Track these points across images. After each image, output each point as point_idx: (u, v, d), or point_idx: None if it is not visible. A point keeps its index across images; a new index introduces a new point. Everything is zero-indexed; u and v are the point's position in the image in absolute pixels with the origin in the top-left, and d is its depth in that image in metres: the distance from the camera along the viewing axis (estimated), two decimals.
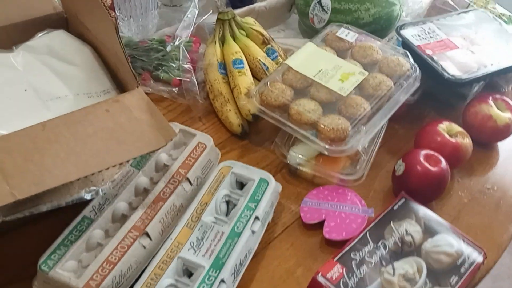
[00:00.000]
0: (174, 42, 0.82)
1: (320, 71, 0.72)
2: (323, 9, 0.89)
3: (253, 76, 0.80)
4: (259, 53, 0.82)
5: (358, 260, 0.58)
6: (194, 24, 0.84)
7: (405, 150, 0.72)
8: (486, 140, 0.79)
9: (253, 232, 0.58)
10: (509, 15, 0.96)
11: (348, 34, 0.80)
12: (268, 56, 0.83)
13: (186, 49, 0.82)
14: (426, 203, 0.66)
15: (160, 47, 0.83)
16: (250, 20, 0.87)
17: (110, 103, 0.56)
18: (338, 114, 0.69)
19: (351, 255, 0.58)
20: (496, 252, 0.65)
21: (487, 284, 0.62)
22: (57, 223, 0.55)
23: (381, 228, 0.62)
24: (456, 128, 0.74)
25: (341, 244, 0.61)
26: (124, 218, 0.57)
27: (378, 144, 0.72)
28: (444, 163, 0.67)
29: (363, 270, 0.56)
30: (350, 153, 0.67)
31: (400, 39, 0.83)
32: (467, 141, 0.72)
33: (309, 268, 0.61)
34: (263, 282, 0.60)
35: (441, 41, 0.83)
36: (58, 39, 0.67)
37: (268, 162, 0.74)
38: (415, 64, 0.75)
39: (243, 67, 0.79)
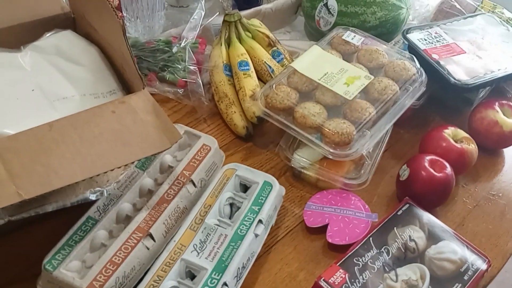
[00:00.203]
0: (180, 43, 0.83)
1: (325, 74, 0.72)
2: (329, 12, 0.89)
3: (259, 78, 0.80)
4: (264, 55, 0.82)
5: (361, 265, 0.58)
6: (200, 25, 0.85)
7: (410, 155, 0.72)
8: (491, 146, 0.79)
9: (256, 235, 0.58)
10: None
11: (354, 37, 0.80)
12: (274, 58, 0.83)
13: (192, 51, 0.83)
14: (430, 209, 0.66)
15: (166, 48, 0.84)
16: (256, 22, 0.87)
17: (116, 104, 0.56)
18: (343, 118, 0.69)
19: (354, 260, 0.58)
20: (500, 259, 0.65)
21: None
22: (61, 223, 0.56)
23: (384, 234, 0.62)
24: (462, 133, 0.74)
25: (344, 248, 0.61)
26: (128, 219, 0.57)
27: (383, 148, 0.72)
28: (449, 169, 0.67)
29: (365, 276, 0.56)
30: (355, 157, 0.67)
31: (406, 43, 0.83)
32: (472, 147, 0.72)
33: (312, 273, 0.61)
34: (266, 286, 0.60)
35: (447, 46, 0.83)
36: (65, 39, 0.68)
37: (272, 164, 0.74)
38: (421, 69, 0.75)
39: (248, 69, 0.79)
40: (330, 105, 0.70)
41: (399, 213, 0.64)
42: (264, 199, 0.61)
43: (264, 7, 0.95)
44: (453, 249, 0.61)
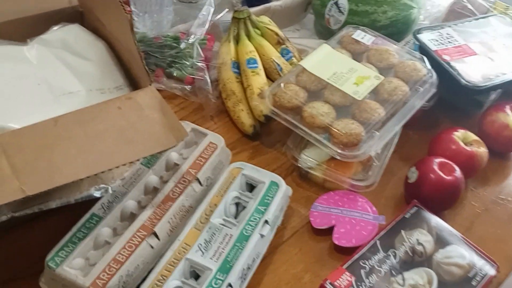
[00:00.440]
0: (188, 40, 0.82)
1: (334, 73, 0.71)
2: (340, 10, 0.88)
3: (267, 76, 0.80)
4: (273, 53, 0.81)
5: (367, 268, 0.57)
6: (209, 21, 0.84)
7: (418, 157, 0.71)
8: (502, 149, 0.77)
9: (262, 236, 0.57)
10: None
11: (364, 36, 0.79)
12: (283, 56, 0.82)
13: (200, 47, 0.82)
14: (438, 212, 0.65)
15: (174, 44, 0.83)
16: (265, 19, 0.86)
17: (123, 100, 0.55)
18: (352, 119, 0.68)
19: (361, 263, 0.57)
20: (508, 265, 0.63)
21: None
22: (65, 219, 0.55)
23: (392, 237, 0.61)
24: (472, 136, 0.72)
25: (350, 251, 0.60)
26: (132, 216, 0.57)
27: (392, 150, 0.71)
28: (458, 172, 0.66)
29: (372, 279, 0.56)
30: (363, 159, 0.66)
31: (417, 43, 0.82)
32: (482, 150, 0.71)
33: (317, 274, 0.60)
34: (270, 287, 0.59)
35: (459, 47, 0.81)
36: (72, 33, 0.67)
37: (279, 164, 0.74)
38: (432, 70, 0.74)
39: (257, 66, 0.78)
40: (339, 105, 0.69)
41: (406, 216, 0.63)
42: (270, 199, 0.60)
43: (273, 4, 0.94)
44: (461, 254, 0.60)
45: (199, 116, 0.80)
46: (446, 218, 0.67)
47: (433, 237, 0.61)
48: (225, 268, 0.53)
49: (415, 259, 0.59)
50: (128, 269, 0.52)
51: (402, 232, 0.61)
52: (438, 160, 0.67)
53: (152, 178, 0.61)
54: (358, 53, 0.77)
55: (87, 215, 0.56)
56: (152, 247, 0.54)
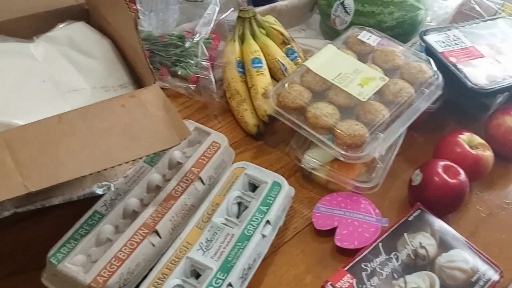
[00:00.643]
0: (194, 38, 0.82)
1: (339, 74, 0.71)
2: (346, 11, 0.88)
3: (271, 76, 0.79)
4: (278, 53, 0.81)
5: (369, 271, 0.56)
6: (215, 20, 0.84)
7: (423, 159, 0.71)
8: (508, 153, 0.77)
9: (263, 236, 0.57)
10: None
11: (370, 37, 0.78)
12: (288, 56, 0.82)
13: (205, 46, 0.82)
14: (442, 215, 0.64)
15: (179, 43, 0.83)
16: (271, 19, 0.86)
17: (127, 98, 0.55)
18: (356, 120, 0.67)
19: (362, 265, 0.57)
20: None
21: None
22: (68, 215, 0.56)
23: (394, 239, 0.60)
24: (477, 139, 0.72)
25: (352, 252, 0.60)
26: (135, 214, 0.57)
27: (396, 152, 0.71)
28: (463, 176, 0.65)
29: (374, 282, 0.55)
30: (366, 160, 0.66)
31: (423, 45, 0.81)
32: (488, 153, 0.70)
33: (318, 276, 0.60)
34: None
35: (466, 49, 0.81)
36: (78, 31, 0.67)
37: (282, 164, 0.73)
38: (438, 72, 0.74)
39: (261, 66, 0.78)
40: (343, 106, 0.69)
41: (410, 218, 0.63)
42: (272, 199, 0.60)
43: (279, 4, 0.93)
44: (464, 258, 0.59)
45: (203, 115, 0.80)
46: (450, 221, 0.66)
47: (436, 241, 0.61)
48: (226, 267, 0.53)
49: (418, 263, 0.58)
50: (129, 267, 0.52)
51: (405, 235, 0.61)
52: (442, 163, 0.66)
53: (155, 176, 0.61)
54: (363, 54, 0.77)
55: (89, 212, 0.56)
56: (153, 245, 0.54)
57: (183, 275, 0.53)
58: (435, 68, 0.74)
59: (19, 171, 0.46)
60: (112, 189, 0.53)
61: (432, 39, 0.81)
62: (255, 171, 0.63)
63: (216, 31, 0.87)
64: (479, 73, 0.76)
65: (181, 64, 0.82)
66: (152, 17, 0.86)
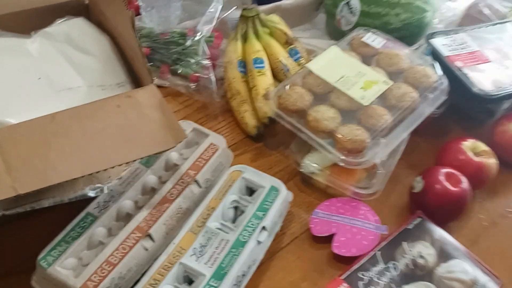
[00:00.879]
0: (195, 37, 0.80)
1: (342, 77, 0.70)
2: (351, 11, 0.86)
3: (274, 76, 0.78)
4: (281, 53, 0.79)
5: (366, 280, 0.55)
6: (217, 19, 0.82)
7: (426, 165, 0.69)
8: None
9: (259, 242, 0.56)
10: None
11: (375, 39, 0.77)
12: (291, 56, 0.81)
13: (207, 45, 0.80)
14: (443, 224, 0.63)
15: (181, 41, 0.82)
16: (275, 18, 0.84)
17: (122, 99, 0.54)
18: (358, 124, 0.66)
19: (359, 274, 0.56)
20: None
21: None
22: (60, 215, 0.54)
23: (393, 248, 0.59)
24: (482, 146, 0.70)
25: (350, 260, 0.58)
26: (128, 217, 0.56)
27: (398, 157, 0.69)
28: (465, 184, 0.64)
29: None
30: (367, 166, 0.64)
31: (429, 47, 0.79)
32: (492, 161, 0.69)
33: (315, 283, 0.59)
34: None
35: (472, 53, 0.79)
36: (77, 27, 0.66)
37: (282, 167, 0.72)
38: (443, 76, 0.72)
39: (263, 66, 0.77)
40: (345, 110, 0.67)
41: (409, 227, 0.62)
42: (269, 204, 0.59)
43: (283, 2, 0.92)
44: (464, 269, 0.58)
45: (203, 114, 0.79)
46: (451, 230, 0.65)
47: (436, 250, 0.59)
48: (219, 274, 0.52)
49: (416, 273, 0.57)
50: (121, 271, 0.51)
51: (404, 243, 0.59)
52: (444, 170, 0.65)
53: (150, 178, 0.60)
54: (367, 57, 0.75)
55: (82, 214, 0.55)
56: (146, 249, 0.53)
57: (175, 281, 0.52)
58: (440, 73, 0.72)
59: (8, 172, 0.45)
60: (105, 191, 0.52)
61: (438, 42, 0.79)
62: (252, 174, 0.62)
63: (219, 29, 0.85)
64: (485, 78, 0.74)
65: (182, 62, 0.80)
66: (154, 14, 0.85)
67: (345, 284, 0.54)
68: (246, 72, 0.78)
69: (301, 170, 0.68)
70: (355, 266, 0.57)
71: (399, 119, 0.67)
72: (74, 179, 0.48)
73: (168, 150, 0.52)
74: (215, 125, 0.77)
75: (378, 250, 0.59)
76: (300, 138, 0.68)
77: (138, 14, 0.85)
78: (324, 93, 0.70)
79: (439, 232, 0.61)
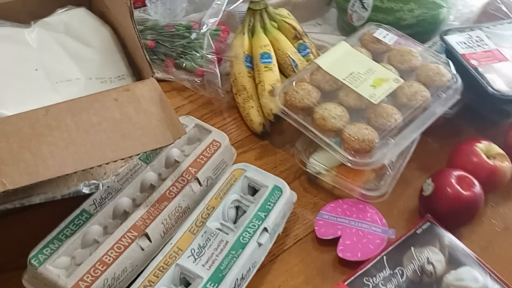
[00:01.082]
0: (201, 30, 0.78)
1: (351, 74, 0.67)
2: (363, 6, 0.83)
3: (281, 72, 0.76)
4: (289, 48, 0.77)
5: (371, 286, 0.53)
6: (223, 11, 0.80)
7: (436, 167, 0.66)
8: None
9: (259, 244, 0.53)
10: None
11: (386, 35, 0.74)
12: (299, 52, 0.78)
13: (213, 38, 0.78)
14: (453, 228, 0.60)
15: (186, 34, 0.79)
16: (284, 12, 0.82)
17: (120, 92, 0.52)
18: (366, 123, 0.63)
19: (364, 280, 0.53)
20: None
21: None
22: (55, 212, 0.52)
23: (400, 253, 0.56)
24: (496, 149, 0.67)
25: (355, 265, 0.56)
26: (125, 215, 0.54)
27: (408, 158, 0.67)
28: (478, 188, 0.61)
29: None
30: (375, 167, 0.62)
31: (443, 45, 0.76)
32: (506, 164, 0.66)
33: None
34: None
35: (489, 52, 0.76)
36: (77, 17, 0.64)
37: (287, 166, 0.70)
38: (457, 75, 0.69)
39: (270, 62, 0.74)
40: (353, 108, 0.65)
41: (418, 231, 0.59)
42: (272, 205, 0.56)
43: None
44: (474, 277, 0.55)
45: (208, 110, 0.77)
46: (462, 235, 0.62)
47: (445, 257, 0.57)
48: (217, 277, 0.49)
49: (424, 280, 0.54)
50: (115, 272, 0.49)
51: (412, 249, 0.57)
52: (456, 173, 0.62)
53: (149, 175, 0.58)
54: (378, 53, 0.73)
55: (77, 211, 0.53)
56: (142, 249, 0.51)
57: (171, 283, 0.50)
58: (454, 71, 0.69)
59: None
60: (101, 188, 0.50)
61: (453, 39, 0.76)
62: (255, 173, 0.60)
63: (226, 22, 0.83)
64: (501, 78, 0.71)
65: (187, 56, 0.78)
66: (159, 6, 0.83)
67: None
68: (252, 67, 0.75)
69: (306, 169, 0.65)
70: (360, 271, 0.54)
71: (409, 118, 0.64)
72: (67, 174, 0.46)
73: (166, 146, 0.50)
74: (220, 122, 0.75)
75: (385, 255, 0.56)
76: (306, 136, 0.65)
77: (144, 5, 0.83)
78: (332, 90, 0.67)
79: (448, 238, 0.59)
